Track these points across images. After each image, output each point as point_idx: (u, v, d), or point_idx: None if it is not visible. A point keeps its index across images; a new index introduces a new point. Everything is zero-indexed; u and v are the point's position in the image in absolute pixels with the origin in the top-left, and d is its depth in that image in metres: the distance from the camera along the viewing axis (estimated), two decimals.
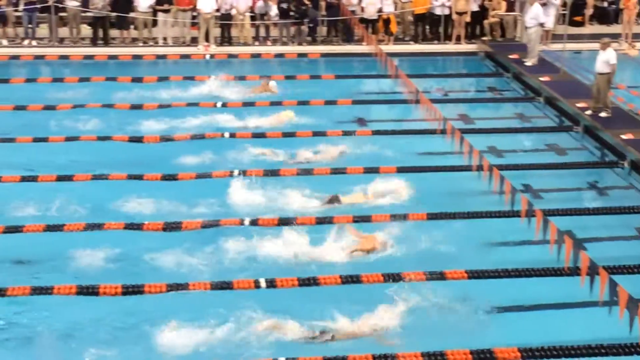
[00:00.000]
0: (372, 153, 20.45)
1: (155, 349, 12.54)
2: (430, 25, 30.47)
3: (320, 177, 18.76)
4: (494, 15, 29.74)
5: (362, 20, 29.19)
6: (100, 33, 29.14)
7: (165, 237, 15.80)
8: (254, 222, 16.34)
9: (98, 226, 15.98)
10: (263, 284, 14.16)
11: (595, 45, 23.34)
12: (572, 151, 21.01)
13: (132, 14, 29.16)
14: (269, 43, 29.52)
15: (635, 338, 11.46)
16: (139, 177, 18.37)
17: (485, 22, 29.87)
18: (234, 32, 29.64)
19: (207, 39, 28.77)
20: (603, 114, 21.95)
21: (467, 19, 29.65)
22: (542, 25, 26.82)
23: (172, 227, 16.16)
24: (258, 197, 17.49)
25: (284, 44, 29.44)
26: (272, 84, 24.75)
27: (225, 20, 29.16)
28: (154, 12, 29.15)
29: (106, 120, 22.08)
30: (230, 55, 28.71)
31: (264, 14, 29.49)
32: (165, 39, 29.50)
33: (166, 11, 29.22)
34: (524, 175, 19.01)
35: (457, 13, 29.48)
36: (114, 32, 29.55)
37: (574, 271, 13.13)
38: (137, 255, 15.09)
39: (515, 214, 15.63)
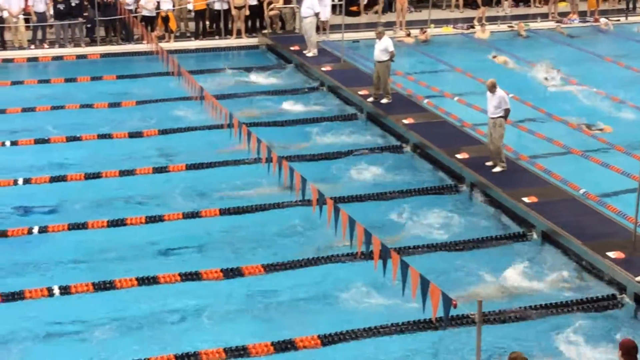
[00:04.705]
0: (160, 152, 20.32)
1: None
2: (210, 21, 30.37)
3: (108, 179, 18.76)
4: (273, 8, 29.98)
5: (141, 19, 28.74)
6: None
7: None
8: None
9: None
10: None
11: (371, 34, 23.93)
12: (357, 138, 21.44)
13: None
14: (45, 46, 28.59)
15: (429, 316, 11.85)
16: None
17: (265, 15, 30.08)
18: (7, 35, 28.52)
19: None
20: (384, 100, 22.56)
21: (247, 12, 29.75)
22: (317, 15, 27.26)
23: None
24: None
25: (62, 46, 28.60)
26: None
27: None
28: None
29: None
30: (5, 60, 27.62)
31: (42, 13, 28.41)
32: None
33: None
34: (314, 165, 19.29)
35: (236, 7, 29.51)
36: None
37: (368, 255, 13.46)
38: None
39: (306, 203, 15.86)
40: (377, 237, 12.40)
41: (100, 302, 14.05)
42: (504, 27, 32.46)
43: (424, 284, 11.14)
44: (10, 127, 21.76)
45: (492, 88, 18.05)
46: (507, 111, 18.10)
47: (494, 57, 27.07)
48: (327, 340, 13.05)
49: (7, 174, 18.81)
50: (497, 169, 18.29)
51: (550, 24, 32.84)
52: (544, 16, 33.71)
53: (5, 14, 27.99)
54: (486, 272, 15.06)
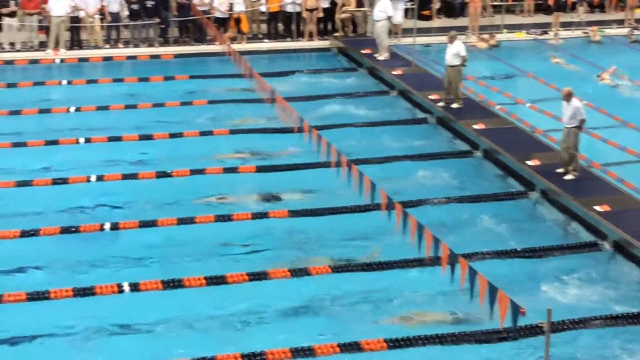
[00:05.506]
0: (231, 152, 20.49)
1: None
2: (282, 23, 30.51)
3: (179, 178, 18.93)
4: (345, 11, 30.01)
5: (214, 20, 29.00)
6: None
7: None
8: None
9: None
10: None
11: (443, 39, 23.84)
12: (426, 142, 21.37)
13: None
14: (120, 45, 28.98)
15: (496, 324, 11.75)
16: None
17: (337, 17, 30.12)
18: (83, 35, 28.96)
19: (56, 43, 28.02)
20: (455, 105, 22.44)
21: (319, 15, 29.82)
22: (389, 18, 27.22)
23: None
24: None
25: (136, 46, 28.96)
26: None
27: (74, 23, 28.43)
28: None
29: None
30: (81, 59, 28.06)
31: (116, 13, 28.80)
32: (12, 43, 28.53)
33: (11, 15, 28.26)
34: (383, 169, 19.26)
35: (308, 10, 29.60)
36: None
37: (435, 261, 13.40)
38: None
39: (375, 207, 15.84)
40: (445, 243, 12.35)
41: (169, 300, 14.19)
42: (578, 32, 32.06)
43: (492, 291, 11.07)
44: (85, 124, 22.11)
45: (568, 97, 17.84)
46: (582, 121, 17.89)
47: (599, 76, 26.07)
48: (393, 344, 13.01)
49: (81, 171, 19.09)
50: (569, 177, 18.07)
51: (626, 31, 32.33)
52: (620, 22, 33.22)
53: (81, 14, 28.43)
54: (555, 280, 14.89)
